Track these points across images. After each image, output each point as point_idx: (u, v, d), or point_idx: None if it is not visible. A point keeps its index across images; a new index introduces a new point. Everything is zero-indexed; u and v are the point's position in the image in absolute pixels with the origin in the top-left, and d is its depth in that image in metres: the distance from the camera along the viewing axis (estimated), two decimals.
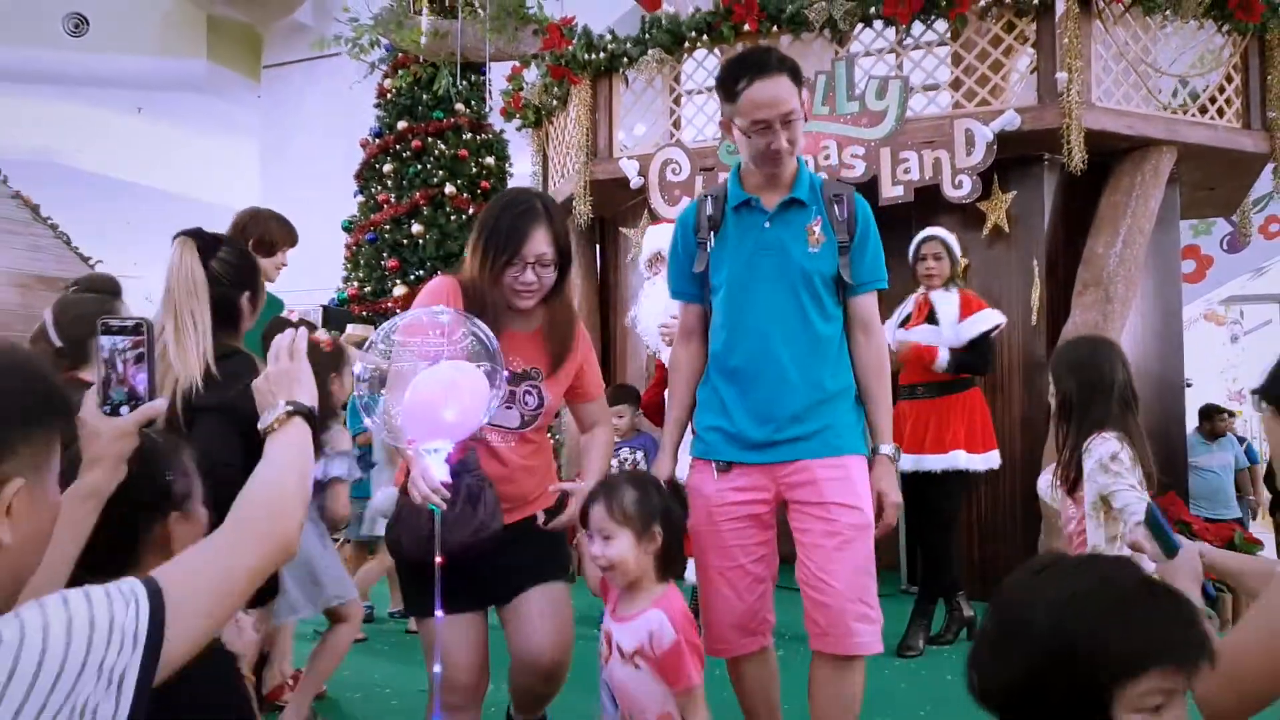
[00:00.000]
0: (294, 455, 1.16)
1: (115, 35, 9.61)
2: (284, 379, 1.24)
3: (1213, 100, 4.43)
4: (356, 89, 8.37)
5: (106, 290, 2.39)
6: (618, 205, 5.28)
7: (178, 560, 0.98)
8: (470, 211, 7.69)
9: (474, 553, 1.83)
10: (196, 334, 1.83)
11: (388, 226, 7.67)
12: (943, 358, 3.55)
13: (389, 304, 7.42)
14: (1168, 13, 4.19)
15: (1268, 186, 7.29)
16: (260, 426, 1.20)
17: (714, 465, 2.00)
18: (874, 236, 2.01)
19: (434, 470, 1.71)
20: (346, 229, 8.10)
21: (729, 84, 1.92)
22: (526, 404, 2.01)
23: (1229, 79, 4.45)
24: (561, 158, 5.52)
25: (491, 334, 1.76)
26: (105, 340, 1.18)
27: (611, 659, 1.83)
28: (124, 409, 1.17)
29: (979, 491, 4.25)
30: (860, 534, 1.90)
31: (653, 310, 3.67)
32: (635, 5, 8.33)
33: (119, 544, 1.25)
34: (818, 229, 1.96)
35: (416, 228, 7.55)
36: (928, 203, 4.25)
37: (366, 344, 1.72)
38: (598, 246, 5.79)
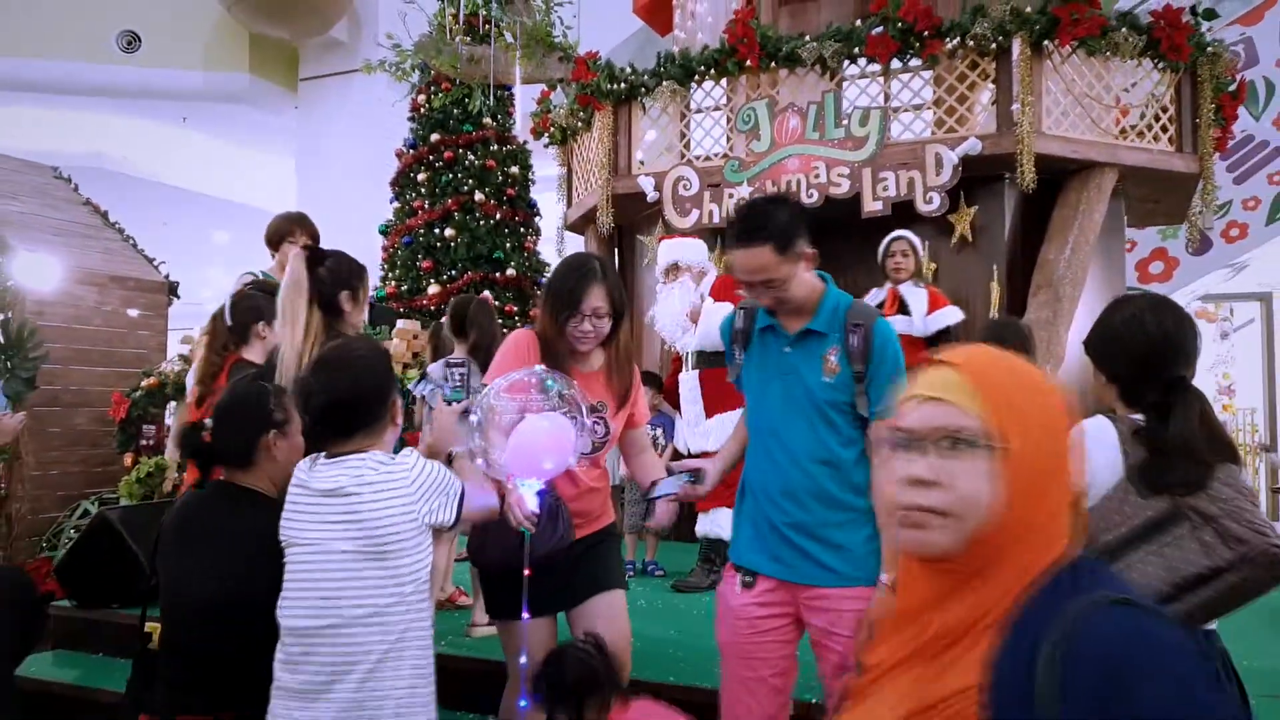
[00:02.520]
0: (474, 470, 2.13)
1: (164, 51, 10.32)
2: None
3: (1149, 127, 5.12)
4: (391, 102, 9.11)
5: (268, 290, 3.11)
6: (635, 215, 5.98)
7: (467, 481, 2.00)
8: (498, 216, 8.43)
9: (552, 561, 2.13)
10: (292, 323, 2.46)
11: (422, 230, 8.40)
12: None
13: (424, 301, 8.15)
14: (1109, 53, 4.88)
15: (1225, 195, 8.00)
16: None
17: (739, 578, 2.07)
18: (890, 365, 1.98)
19: (528, 501, 2.02)
20: (384, 232, 8.82)
21: (727, 238, 2.04)
22: (596, 432, 2.27)
23: (1164, 109, 5.14)
24: (585, 172, 6.22)
25: (578, 387, 2.08)
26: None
27: None
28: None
29: None
30: None
31: (669, 311, 4.39)
32: (644, 26, 9.04)
33: (243, 447, 2.12)
34: (833, 358, 1.98)
35: (449, 231, 8.27)
36: (903, 215, 4.93)
37: (481, 395, 2.15)
38: (616, 251, 6.50)
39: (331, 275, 2.65)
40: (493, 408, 2.01)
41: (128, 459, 6.79)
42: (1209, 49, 5.08)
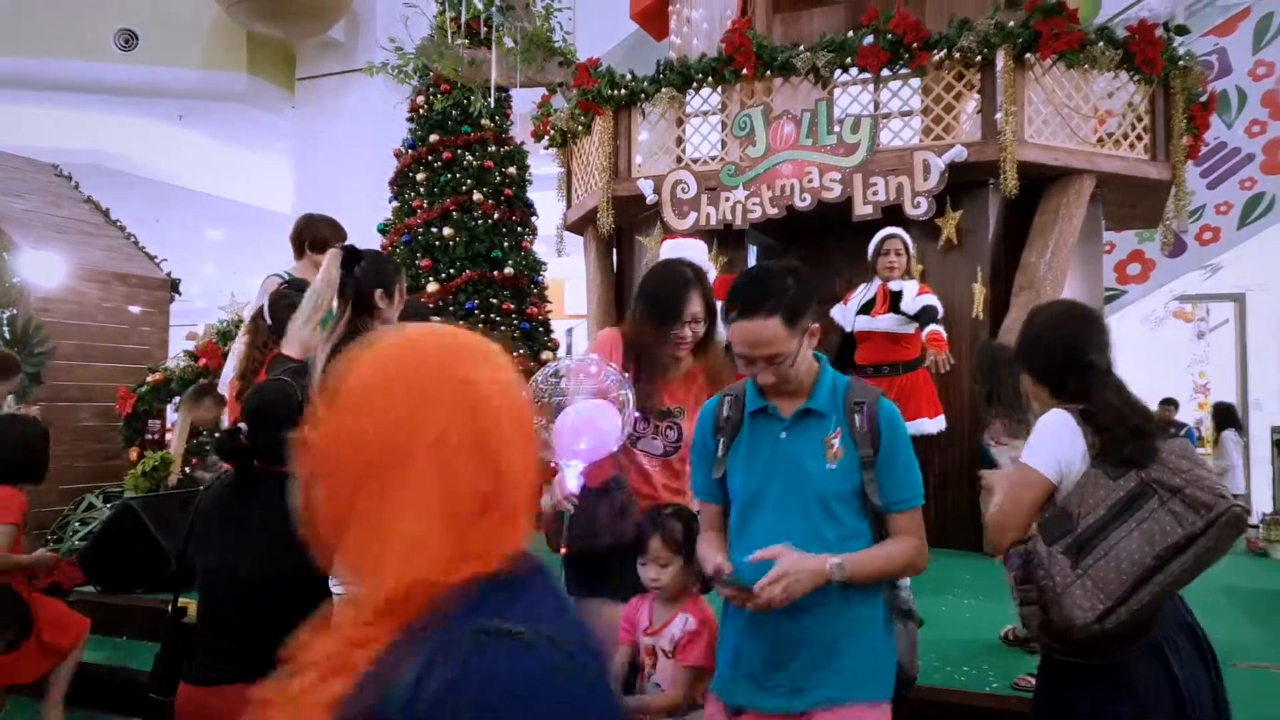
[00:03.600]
0: None
1: (162, 50, 10.42)
2: None
3: (1125, 136, 5.38)
4: (390, 102, 9.26)
5: (304, 289, 3.28)
6: (634, 217, 6.18)
7: None
8: (495, 216, 8.60)
9: (615, 552, 2.21)
10: (310, 316, 2.67)
11: (420, 229, 8.55)
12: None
13: (423, 299, 8.31)
14: (1087, 66, 5.13)
15: (1199, 200, 8.30)
16: None
17: (724, 709, 1.85)
18: (903, 448, 1.79)
19: (569, 482, 2.09)
20: (383, 231, 8.96)
21: (725, 307, 1.84)
22: (668, 436, 2.35)
23: (1139, 119, 5.40)
24: (585, 175, 6.42)
25: (626, 380, 2.18)
26: None
27: (657, 666, 2.14)
28: None
29: (937, 453, 5.12)
30: None
31: None
32: (637, 29, 9.24)
33: (282, 444, 2.27)
34: (836, 442, 1.78)
35: (447, 230, 8.41)
36: (892, 219, 5.14)
37: (533, 378, 2.27)
38: (615, 252, 6.70)
39: (367, 274, 2.84)
40: (539, 389, 2.15)
41: (133, 453, 6.92)
42: (1180, 63, 5.34)
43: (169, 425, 7.20)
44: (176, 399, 7.00)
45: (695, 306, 2.28)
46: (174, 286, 8.25)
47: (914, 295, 4.49)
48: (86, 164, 10.73)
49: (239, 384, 3.22)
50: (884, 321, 4.52)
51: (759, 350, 1.75)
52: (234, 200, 12.48)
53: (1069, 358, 1.90)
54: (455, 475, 0.75)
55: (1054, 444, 1.83)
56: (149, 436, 7.13)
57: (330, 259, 2.77)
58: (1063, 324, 1.95)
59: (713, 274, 4.76)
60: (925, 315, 4.38)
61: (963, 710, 2.72)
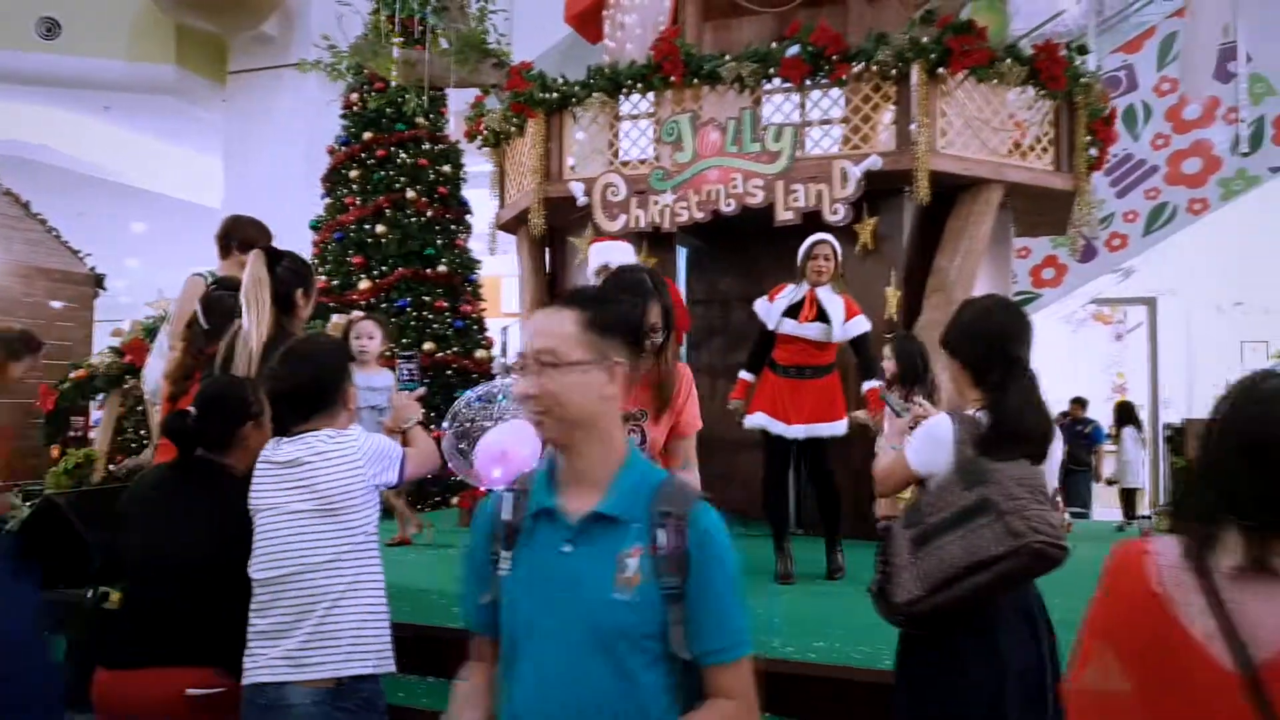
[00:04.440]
0: (424, 436, 2.47)
1: (86, 39, 10.15)
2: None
3: (1032, 148, 5.69)
4: (323, 98, 9.20)
5: (236, 289, 3.30)
6: (566, 218, 6.29)
7: (408, 449, 2.33)
8: (429, 214, 8.61)
9: None
10: (258, 316, 2.77)
11: (353, 226, 8.51)
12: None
13: (354, 296, 8.29)
14: (996, 81, 5.41)
15: (1108, 208, 8.75)
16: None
17: None
18: (722, 576, 1.35)
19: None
20: (314, 228, 8.90)
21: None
22: (632, 438, 2.35)
23: (1045, 132, 5.72)
24: (518, 176, 6.50)
25: None
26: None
27: None
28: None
29: (856, 448, 5.11)
30: None
31: None
32: (573, 32, 9.34)
33: (225, 434, 2.41)
34: (633, 563, 1.33)
35: (380, 228, 8.39)
36: (812, 225, 5.36)
37: (453, 408, 2.38)
38: (548, 252, 6.80)
39: (289, 274, 2.92)
40: (462, 415, 2.28)
41: (54, 450, 6.78)
42: (1082, 79, 5.66)
43: (92, 423, 7.08)
44: (100, 396, 6.89)
45: (654, 316, 2.32)
46: (98, 281, 8.09)
47: (843, 321, 4.55)
48: (5, 155, 10.42)
49: (170, 388, 3.25)
50: (810, 330, 4.62)
51: (536, 340, 1.36)
52: (161, 194, 12.23)
53: (996, 349, 2.02)
54: None
55: (930, 450, 2.04)
56: (72, 434, 6.99)
57: (255, 260, 2.85)
58: (995, 314, 2.07)
59: None
60: (862, 348, 4.58)
61: (855, 685, 2.93)
